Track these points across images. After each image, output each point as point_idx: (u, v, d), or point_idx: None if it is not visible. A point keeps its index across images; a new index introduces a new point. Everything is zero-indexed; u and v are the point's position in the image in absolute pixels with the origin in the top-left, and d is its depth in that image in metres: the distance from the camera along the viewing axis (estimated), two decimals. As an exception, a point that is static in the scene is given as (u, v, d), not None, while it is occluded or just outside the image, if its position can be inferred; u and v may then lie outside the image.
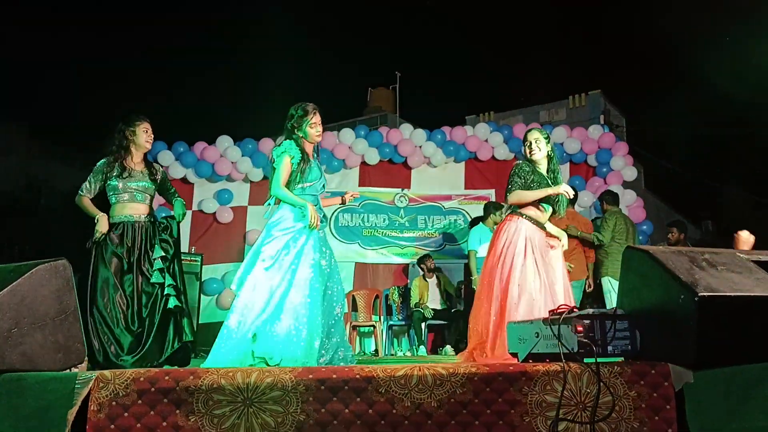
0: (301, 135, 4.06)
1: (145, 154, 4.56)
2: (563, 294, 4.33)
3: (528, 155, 4.46)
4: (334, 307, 3.98)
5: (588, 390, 2.32)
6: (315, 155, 4.20)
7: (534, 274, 4.18)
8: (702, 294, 2.27)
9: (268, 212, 4.07)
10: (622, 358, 2.48)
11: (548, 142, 4.49)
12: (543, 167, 4.46)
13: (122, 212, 4.30)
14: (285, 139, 4.07)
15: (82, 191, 4.30)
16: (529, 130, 4.58)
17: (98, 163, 4.37)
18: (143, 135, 4.43)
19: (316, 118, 4.09)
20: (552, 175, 4.46)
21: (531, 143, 4.45)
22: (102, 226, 4.18)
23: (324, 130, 4.29)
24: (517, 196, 4.32)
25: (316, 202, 4.08)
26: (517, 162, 4.54)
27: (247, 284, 3.83)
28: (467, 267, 8.61)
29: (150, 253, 4.26)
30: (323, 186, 4.21)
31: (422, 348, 7.80)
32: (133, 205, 4.34)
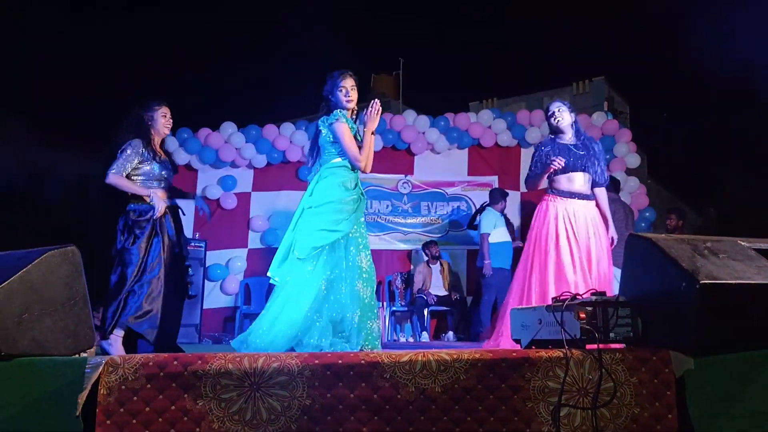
0: (333, 101, 3.75)
1: (162, 141, 4.39)
2: (605, 267, 4.17)
3: (554, 124, 4.38)
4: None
5: (590, 376, 2.35)
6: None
7: (568, 255, 4.10)
8: (703, 281, 2.29)
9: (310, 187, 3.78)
10: (624, 345, 2.51)
11: (571, 111, 4.42)
12: (568, 136, 4.38)
13: (158, 202, 4.11)
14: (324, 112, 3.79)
15: (117, 170, 4.05)
16: (549, 103, 4.54)
17: (132, 144, 4.12)
18: (161, 120, 4.28)
19: (346, 83, 3.73)
20: (582, 142, 4.34)
21: (554, 112, 4.38)
22: (161, 202, 4.04)
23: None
24: (527, 182, 4.36)
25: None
26: (538, 145, 4.47)
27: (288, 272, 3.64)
28: (471, 253, 8.67)
29: (176, 246, 4.17)
30: None
31: (425, 334, 7.86)
32: (163, 193, 4.20)
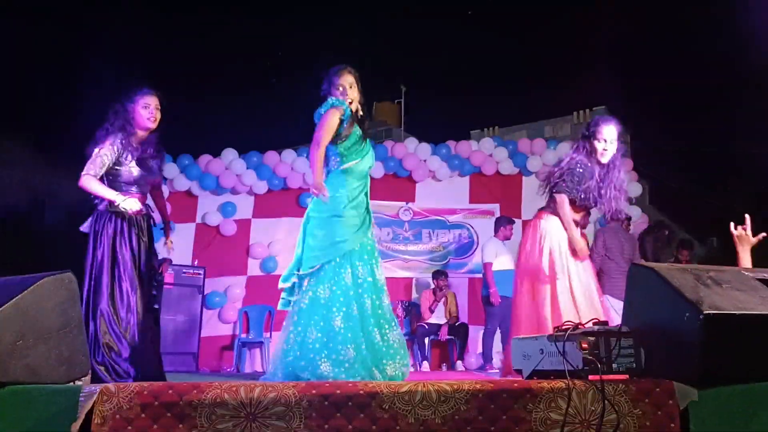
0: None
1: (150, 133, 3.81)
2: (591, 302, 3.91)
3: (598, 149, 3.85)
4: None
5: (593, 408, 2.30)
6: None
7: (564, 278, 3.91)
8: (707, 312, 2.26)
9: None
10: (627, 376, 2.47)
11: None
12: (595, 175, 3.89)
13: (131, 205, 3.62)
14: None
15: (92, 172, 3.56)
16: (607, 124, 3.87)
17: (111, 139, 3.62)
18: (142, 112, 3.68)
19: (344, 80, 3.71)
20: (606, 175, 3.90)
21: (606, 141, 3.83)
22: (133, 204, 3.57)
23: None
24: (562, 203, 3.86)
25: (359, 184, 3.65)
26: (574, 157, 3.93)
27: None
28: (472, 282, 8.62)
29: (150, 256, 3.77)
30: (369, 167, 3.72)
31: (425, 363, 7.78)
32: (139, 198, 3.72)
